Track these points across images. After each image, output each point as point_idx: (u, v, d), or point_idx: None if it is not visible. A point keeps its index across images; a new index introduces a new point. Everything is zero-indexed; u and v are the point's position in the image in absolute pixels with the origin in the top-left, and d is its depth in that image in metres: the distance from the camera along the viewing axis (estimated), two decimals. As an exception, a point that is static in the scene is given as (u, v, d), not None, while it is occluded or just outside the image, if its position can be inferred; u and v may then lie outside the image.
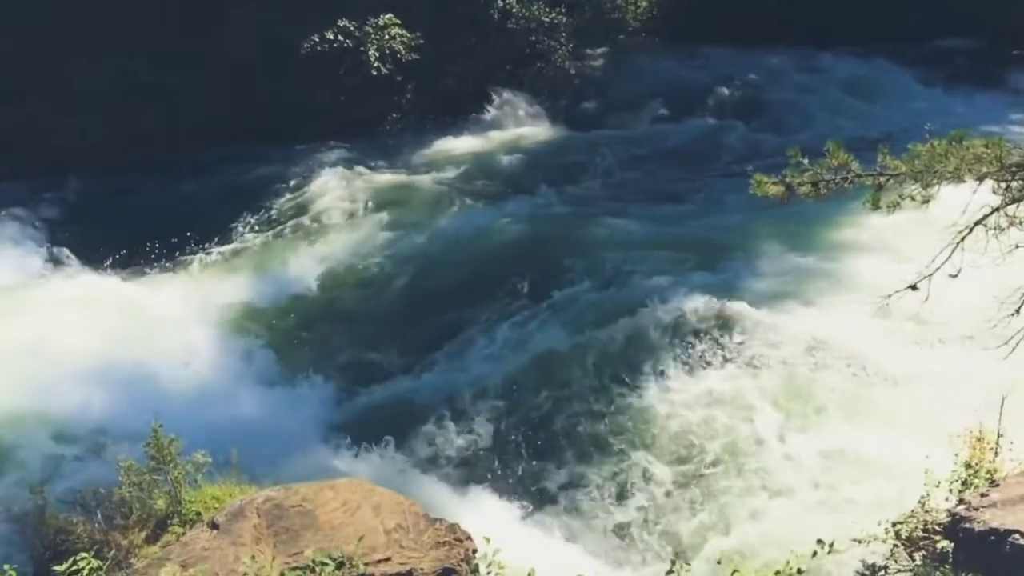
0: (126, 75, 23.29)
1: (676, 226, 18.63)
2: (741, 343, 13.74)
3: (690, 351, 13.81)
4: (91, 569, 5.55)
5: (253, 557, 6.97)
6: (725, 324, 14.00)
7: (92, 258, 18.26)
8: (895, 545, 7.77)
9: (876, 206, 7.02)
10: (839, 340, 13.70)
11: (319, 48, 24.04)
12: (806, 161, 7.06)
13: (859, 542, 7.77)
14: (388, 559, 8.18)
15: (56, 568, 5.64)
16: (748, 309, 14.31)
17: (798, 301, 14.87)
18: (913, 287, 7.38)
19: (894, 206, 7.09)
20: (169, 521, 9.07)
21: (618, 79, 27.81)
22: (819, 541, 5.71)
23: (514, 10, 26.37)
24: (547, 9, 26.70)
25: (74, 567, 5.57)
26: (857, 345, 13.58)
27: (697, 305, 14.38)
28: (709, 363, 13.54)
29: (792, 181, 7.04)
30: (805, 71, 27.76)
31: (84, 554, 5.66)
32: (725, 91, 26.42)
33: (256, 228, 20.14)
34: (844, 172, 6.96)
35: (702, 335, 13.97)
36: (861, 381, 13.02)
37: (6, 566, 5.49)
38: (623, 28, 30.32)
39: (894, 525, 7.87)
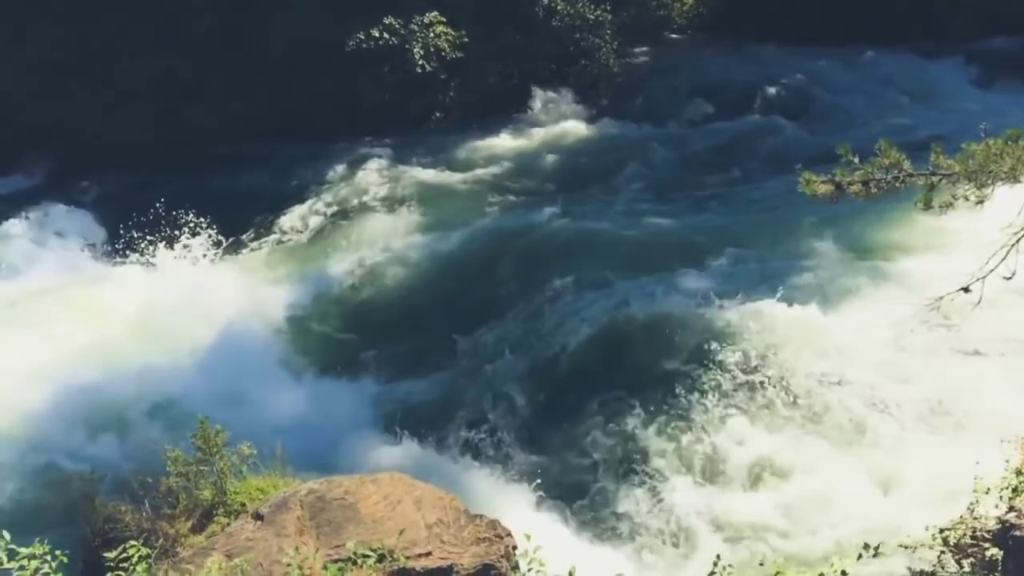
0: (171, 73, 23.70)
1: (720, 225, 18.44)
2: (785, 345, 13.55)
3: (732, 353, 13.66)
4: (140, 557, 5.65)
5: (297, 548, 7.06)
6: (769, 325, 13.83)
7: (138, 253, 18.58)
8: (942, 551, 7.63)
9: (928, 206, 6.89)
10: (886, 342, 13.48)
11: (364, 46, 24.22)
12: (857, 160, 6.95)
13: (905, 547, 7.65)
14: (429, 553, 8.23)
15: (106, 555, 5.75)
16: (793, 310, 14.12)
17: (846, 302, 14.63)
18: (965, 289, 7.24)
19: (947, 206, 6.96)
20: (214, 511, 9.20)
21: (663, 77, 27.63)
22: (865, 544, 5.64)
23: (559, 8, 26.33)
24: (592, 6, 26.62)
25: (124, 554, 5.67)
26: (906, 347, 13.35)
27: (741, 306, 14.22)
28: (752, 366, 13.38)
29: (842, 180, 6.94)
30: (852, 69, 27.34)
31: (133, 542, 5.76)
32: (771, 89, 26.10)
33: (299, 224, 20.37)
34: (896, 171, 6.84)
35: (745, 336, 13.81)
36: (908, 384, 12.77)
37: (57, 551, 5.60)
38: (668, 25, 30.16)
39: (942, 531, 7.73)
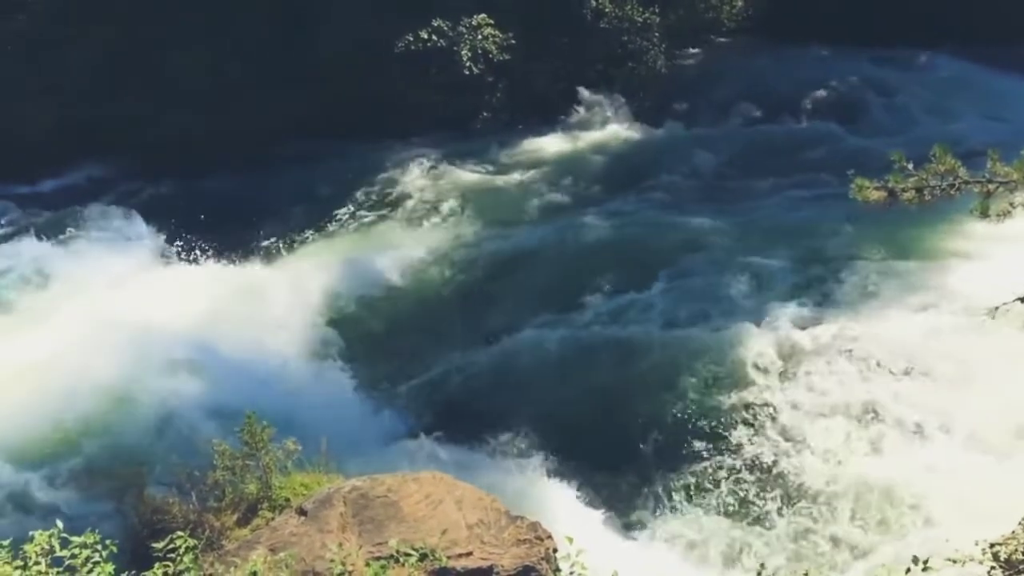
0: (221, 73, 24.08)
1: (767, 230, 18.24)
2: (831, 352, 13.36)
3: (774, 357, 13.51)
4: (187, 548, 5.71)
5: (340, 545, 7.11)
6: (817, 331, 13.64)
7: (189, 247, 18.91)
8: (993, 567, 7.45)
9: (985, 214, 6.74)
10: (938, 350, 13.21)
11: (413, 48, 24.38)
12: (911, 166, 6.81)
13: (954, 562, 7.48)
14: (469, 554, 8.27)
15: (154, 545, 5.83)
16: (843, 316, 13.92)
17: (897, 310, 14.36)
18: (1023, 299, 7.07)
19: (1004, 214, 6.79)
20: (259, 505, 9.32)
21: (710, 79, 27.40)
22: (914, 558, 5.53)
23: (607, 10, 26.23)
24: (640, 9, 26.47)
25: (171, 545, 5.74)
26: (957, 358, 13.08)
27: (787, 312, 14.06)
28: (793, 371, 13.22)
29: (895, 186, 6.80)
30: (906, 73, 26.86)
31: (180, 533, 5.84)
32: (821, 93, 25.76)
33: (345, 222, 20.56)
34: (951, 178, 6.69)
35: (789, 341, 13.64)
36: (960, 393, 12.51)
37: (107, 540, 5.70)
38: (717, 28, 29.88)
39: (992, 546, 7.55)
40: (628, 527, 11.34)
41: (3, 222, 21.02)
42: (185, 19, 24.26)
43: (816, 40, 28.09)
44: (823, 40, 28.03)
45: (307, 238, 19.95)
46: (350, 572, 6.24)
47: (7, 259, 18.48)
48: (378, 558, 7.13)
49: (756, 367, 13.31)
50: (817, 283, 15.25)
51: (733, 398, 12.93)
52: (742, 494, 11.65)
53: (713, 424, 12.66)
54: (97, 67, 24.02)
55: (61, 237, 19.65)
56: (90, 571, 5.52)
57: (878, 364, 13.13)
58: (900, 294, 14.81)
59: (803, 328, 13.76)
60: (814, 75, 26.71)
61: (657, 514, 11.53)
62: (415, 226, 20.04)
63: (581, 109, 25.86)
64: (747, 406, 12.77)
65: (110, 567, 5.55)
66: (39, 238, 19.40)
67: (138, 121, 23.49)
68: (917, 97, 25.30)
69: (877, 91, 25.79)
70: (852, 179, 7.03)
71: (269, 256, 19.20)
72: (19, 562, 5.53)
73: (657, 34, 26.73)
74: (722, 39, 30.26)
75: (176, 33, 24.20)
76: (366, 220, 20.62)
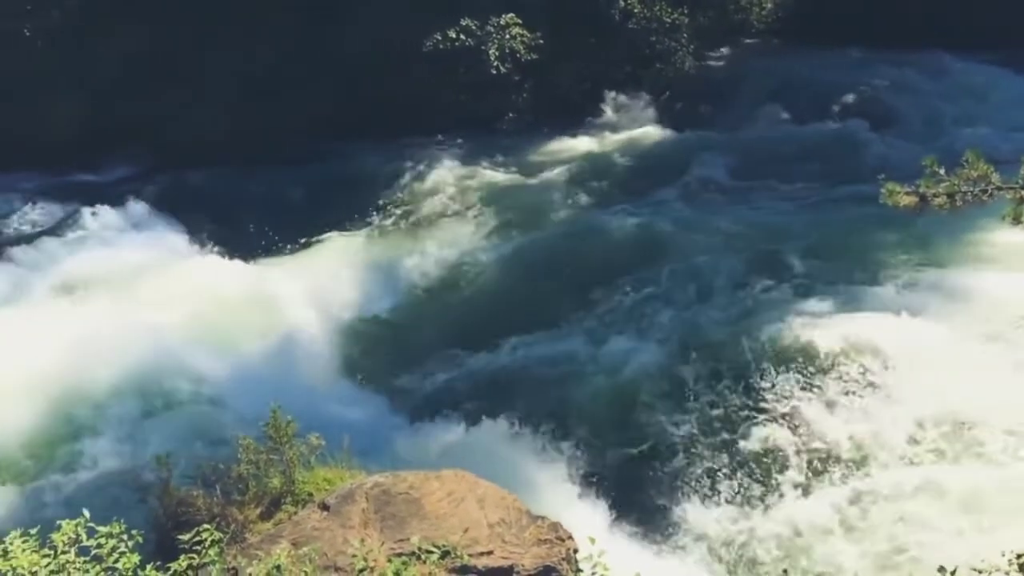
0: (252, 71, 24.28)
1: (793, 233, 18.08)
2: (862, 362, 13.22)
3: (801, 365, 13.41)
4: (213, 541, 5.77)
5: (362, 540, 7.14)
6: (844, 335, 13.52)
7: (216, 243, 19.10)
8: (1020, 578, 7.36)
9: (1018, 221, 6.65)
10: (970, 360, 13.06)
11: (441, 47, 24.45)
12: (942, 171, 6.74)
13: (980, 572, 7.39)
14: (490, 552, 8.27)
15: (180, 537, 5.90)
16: (869, 325, 13.78)
17: (925, 319, 14.19)
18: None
19: (1037, 221, 6.71)
20: (282, 500, 9.38)
21: (739, 81, 27.25)
22: (940, 568, 5.47)
23: (635, 10, 26.17)
24: (669, 9, 26.37)
25: (196, 538, 5.80)
26: (995, 365, 12.91)
27: (815, 315, 13.95)
28: (821, 375, 13.11)
29: (926, 191, 6.73)
30: (937, 77, 26.54)
31: (207, 526, 5.89)
32: (851, 96, 25.54)
33: (371, 220, 20.64)
34: (984, 184, 6.61)
35: (817, 349, 13.53)
36: (997, 404, 12.36)
37: (134, 531, 5.77)
38: (746, 29, 29.73)
39: (1018, 556, 7.46)
40: (650, 530, 11.29)
41: (34, 216, 21.31)
42: (214, 18, 24.49)
43: (845, 43, 27.85)
44: (853, 43, 27.79)
45: (332, 236, 20.05)
46: (372, 568, 6.27)
47: (35, 252, 18.74)
48: (400, 554, 7.16)
49: (783, 370, 13.21)
50: (844, 287, 15.11)
51: (759, 401, 12.84)
52: (769, 499, 11.58)
53: (738, 427, 12.59)
54: (127, 64, 24.30)
55: (88, 232, 19.87)
56: (116, 561, 5.60)
57: (905, 370, 12.99)
58: (929, 300, 14.63)
59: (830, 331, 13.63)
60: (843, 78, 26.49)
61: (680, 518, 11.48)
62: (440, 225, 20.09)
63: (608, 110, 25.82)
64: (774, 409, 12.68)
65: (136, 557, 5.62)
66: (68, 232, 19.65)
67: (167, 118, 23.75)
68: (947, 101, 25.00)
69: (907, 95, 25.53)
70: (882, 183, 6.97)
71: (293, 253, 19.33)
72: (47, 551, 5.61)
73: (685, 35, 26.64)
74: (750, 40, 30.09)
75: (205, 32, 24.44)
76: (391, 219, 20.71)
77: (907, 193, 6.87)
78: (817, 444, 12.12)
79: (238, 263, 18.37)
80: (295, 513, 8.88)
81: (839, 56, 27.77)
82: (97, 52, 24.44)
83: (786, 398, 12.84)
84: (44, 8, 25.03)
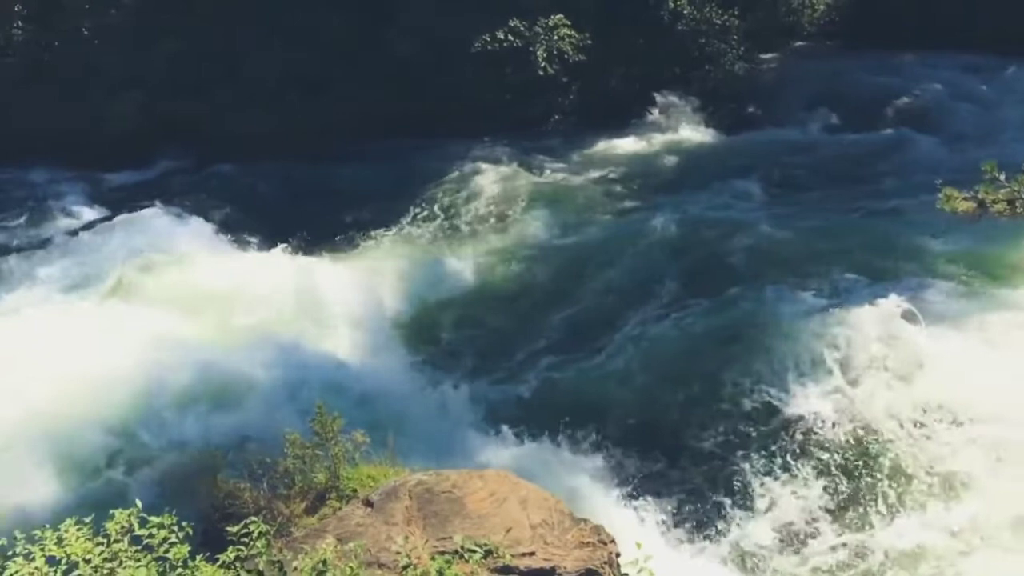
0: (298, 69, 24.56)
1: (842, 240, 17.77)
2: (909, 374, 12.98)
3: (851, 370, 13.20)
4: (260, 533, 5.85)
5: (406, 538, 7.18)
6: (894, 350, 13.28)
7: (260, 239, 19.31)
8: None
9: (1081, 229, 6.48)
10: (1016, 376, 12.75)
11: (489, 47, 24.48)
12: (1002, 177, 6.59)
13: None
14: (532, 553, 8.26)
15: (228, 529, 5.98)
16: (919, 337, 13.51)
17: (977, 335, 13.85)
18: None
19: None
20: (327, 495, 9.47)
21: (789, 84, 26.90)
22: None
23: (685, 11, 25.97)
24: (719, 11, 26.12)
25: (244, 530, 5.88)
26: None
27: (865, 324, 13.70)
28: (872, 386, 12.89)
29: (985, 198, 6.59)
30: (995, 81, 25.93)
31: (254, 519, 5.97)
32: (905, 100, 25.08)
33: (415, 219, 20.73)
34: (1046, 191, 6.46)
35: (866, 354, 13.31)
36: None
37: (184, 522, 5.87)
38: (798, 32, 29.35)
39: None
40: (695, 539, 11.19)
41: (88, 209, 21.77)
42: (264, 16, 24.82)
43: (900, 46, 27.37)
44: (907, 46, 27.29)
45: (378, 234, 20.17)
46: (415, 565, 6.31)
47: (89, 245, 19.11)
48: (442, 552, 7.19)
49: (833, 379, 13.02)
50: (895, 296, 14.82)
51: (809, 408, 12.67)
52: (818, 513, 11.42)
53: (789, 436, 12.44)
54: (179, 61, 24.74)
55: (140, 226, 20.18)
56: (167, 551, 5.70)
57: (961, 383, 12.72)
58: (984, 312, 14.28)
59: (881, 341, 13.39)
60: (897, 82, 26.03)
61: (725, 525, 11.37)
62: (486, 225, 20.13)
63: (655, 111, 25.67)
64: (825, 420, 12.51)
65: (186, 549, 5.72)
66: (120, 226, 19.98)
67: (216, 115, 24.12)
68: (1007, 108, 24.41)
69: (964, 100, 24.99)
70: (939, 189, 6.85)
71: (340, 251, 19.49)
72: (100, 539, 5.73)
73: (735, 37, 26.35)
74: (801, 43, 29.70)
75: (256, 30, 24.78)
76: (437, 218, 20.77)
77: (965, 199, 6.74)
78: (875, 457, 11.94)
79: (285, 258, 18.56)
80: (339, 509, 8.96)
81: (893, 59, 27.29)
82: (151, 50, 24.92)
83: (841, 409, 12.65)
84: (102, 7, 25.58)
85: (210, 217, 20.62)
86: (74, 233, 20.17)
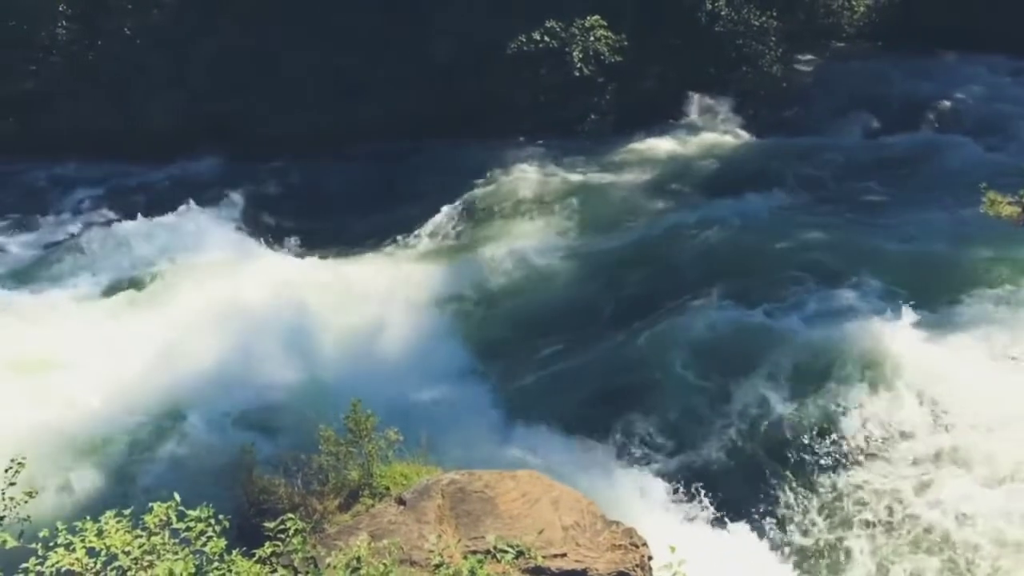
0: (337, 70, 24.73)
1: (879, 246, 17.56)
2: (951, 373, 12.78)
3: (890, 374, 13.03)
4: (296, 530, 5.91)
5: (439, 536, 7.21)
6: (935, 352, 13.08)
7: (301, 236, 19.47)
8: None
9: None
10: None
11: (525, 48, 24.48)
12: (1049, 182, 6.48)
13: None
14: (564, 555, 8.25)
15: (266, 524, 6.05)
16: (962, 341, 13.29)
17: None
18: None
19: None
20: (360, 492, 9.52)
21: (828, 86, 26.58)
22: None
23: (723, 13, 25.77)
24: (757, 12, 25.88)
25: (281, 526, 5.94)
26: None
27: (904, 330, 13.52)
28: (914, 390, 12.72)
29: (1031, 203, 6.48)
30: (1040, 84, 25.52)
31: (291, 515, 6.03)
32: (947, 103, 24.68)
33: (451, 219, 20.77)
34: (1094, 196, 6.33)
35: (906, 360, 13.13)
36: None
37: (221, 515, 5.95)
38: (837, 33, 29.00)
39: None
40: (731, 543, 11.10)
41: (131, 207, 22.06)
42: (301, 18, 25.03)
43: (941, 48, 26.95)
44: (949, 48, 26.87)
45: (415, 234, 20.26)
46: (447, 564, 6.33)
47: (130, 242, 19.38)
48: (474, 552, 7.21)
49: (876, 384, 12.88)
50: (935, 303, 14.59)
51: (850, 413, 12.55)
52: (853, 516, 11.31)
53: (826, 437, 12.33)
54: (219, 61, 25.02)
55: (183, 223, 20.42)
56: (204, 545, 5.78)
57: (1000, 392, 12.51)
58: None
59: (920, 348, 13.20)
60: (938, 85, 25.66)
61: (759, 529, 11.28)
62: (519, 224, 20.14)
63: (691, 112, 25.51)
64: (868, 421, 12.39)
65: (223, 542, 5.79)
66: (163, 224, 20.23)
67: (255, 116, 24.39)
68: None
69: (1007, 104, 24.55)
70: (983, 192, 6.75)
71: (378, 249, 19.60)
72: (139, 531, 5.81)
73: (774, 39, 26.09)
74: (841, 44, 29.35)
75: (293, 31, 25.00)
76: (471, 216, 20.82)
77: (1010, 203, 6.63)
78: (914, 460, 11.79)
79: (322, 256, 18.71)
80: (372, 506, 9.01)
81: (934, 62, 26.90)
82: (191, 50, 25.23)
83: (884, 411, 12.53)
84: (144, 7, 25.95)
85: (247, 213, 20.83)
86: (112, 232, 20.41)
